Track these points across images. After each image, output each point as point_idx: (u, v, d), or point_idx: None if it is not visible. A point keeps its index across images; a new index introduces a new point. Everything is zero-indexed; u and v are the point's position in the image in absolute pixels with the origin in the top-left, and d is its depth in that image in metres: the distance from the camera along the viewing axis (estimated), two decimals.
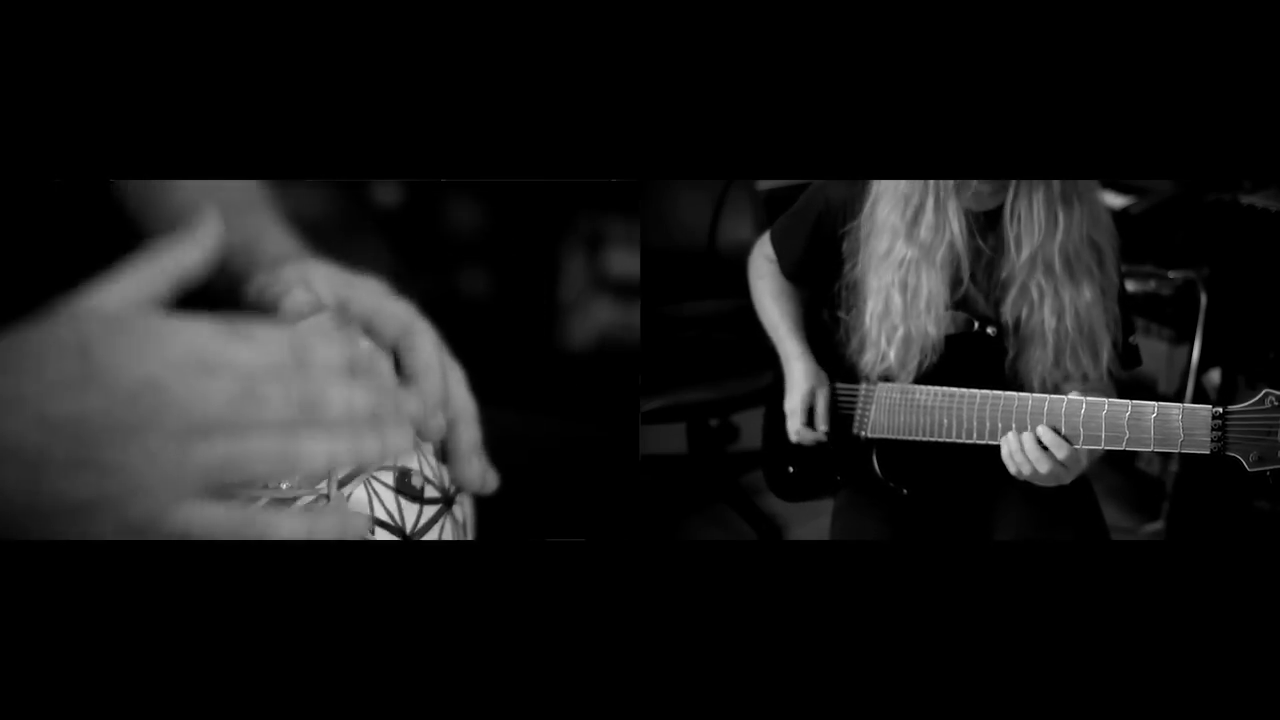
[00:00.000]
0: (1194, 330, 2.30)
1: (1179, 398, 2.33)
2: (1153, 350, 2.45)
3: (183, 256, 0.73)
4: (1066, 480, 1.33)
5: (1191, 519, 2.33)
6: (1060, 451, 1.28)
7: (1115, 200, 2.38)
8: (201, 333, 0.64)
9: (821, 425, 1.58)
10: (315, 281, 0.95)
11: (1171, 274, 2.32)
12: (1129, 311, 1.50)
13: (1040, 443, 1.29)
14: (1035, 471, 1.31)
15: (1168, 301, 2.40)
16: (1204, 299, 2.28)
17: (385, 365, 0.78)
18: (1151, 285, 2.34)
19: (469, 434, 0.93)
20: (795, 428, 1.59)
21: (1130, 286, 2.26)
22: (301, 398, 0.65)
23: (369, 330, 0.93)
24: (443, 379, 0.90)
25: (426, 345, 0.90)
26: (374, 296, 0.95)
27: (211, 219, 0.78)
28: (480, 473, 0.94)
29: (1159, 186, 2.42)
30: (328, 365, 0.68)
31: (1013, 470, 1.33)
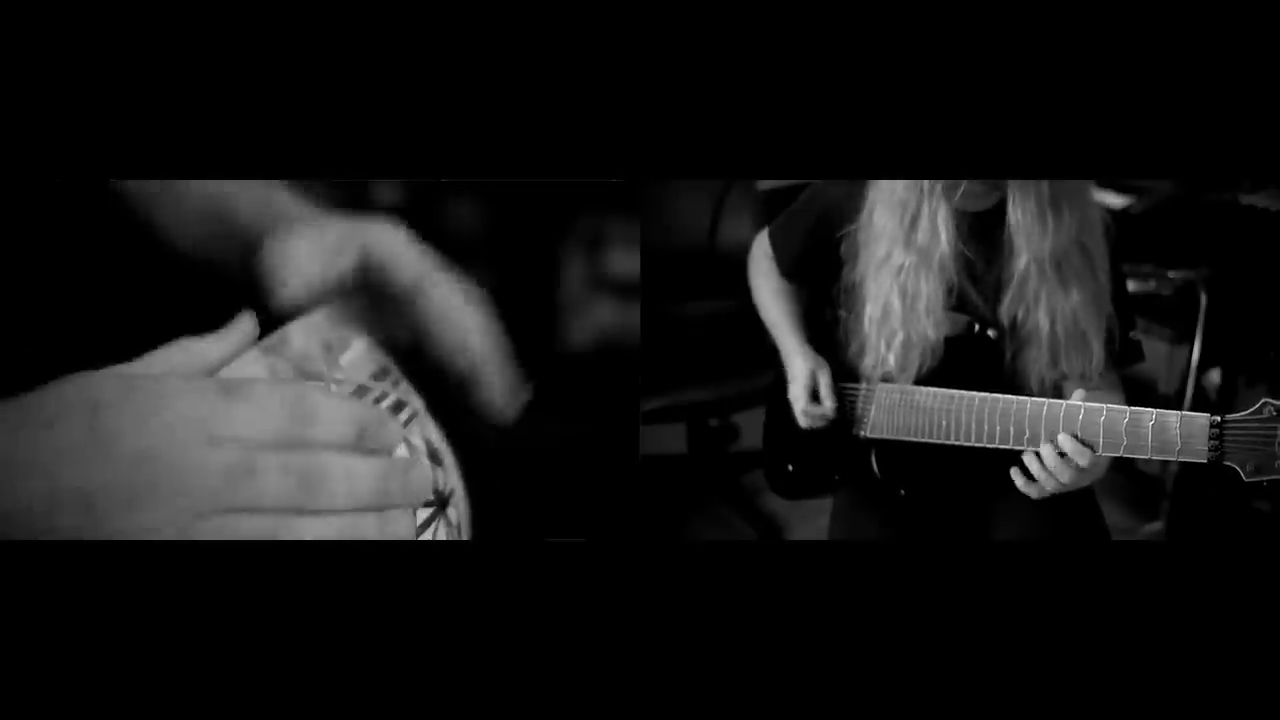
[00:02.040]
0: (1194, 330, 2.30)
1: (1179, 398, 2.33)
2: (1153, 350, 2.45)
3: (209, 350, 0.73)
4: (1085, 483, 1.34)
5: (1191, 519, 2.34)
6: (1083, 459, 1.28)
7: (1115, 200, 2.38)
8: (206, 395, 0.62)
9: (828, 402, 1.57)
10: (329, 236, 0.91)
11: (1171, 274, 2.32)
12: (1129, 308, 1.50)
13: (1061, 452, 1.29)
14: (1059, 483, 1.30)
15: (1168, 301, 2.40)
16: (1204, 299, 2.28)
17: (396, 429, 0.75)
18: (1151, 285, 2.34)
19: (491, 373, 0.92)
20: (801, 408, 1.58)
21: (1130, 286, 2.26)
22: (300, 473, 0.63)
23: (384, 278, 0.90)
24: (460, 328, 0.89)
25: (443, 292, 0.88)
26: (391, 241, 0.92)
27: (245, 319, 0.77)
28: (507, 393, 0.94)
29: (1159, 186, 2.42)
30: (331, 435, 0.66)
31: (1035, 494, 1.32)
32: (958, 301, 1.48)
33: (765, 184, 2.58)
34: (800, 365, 1.60)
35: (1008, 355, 1.47)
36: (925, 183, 1.43)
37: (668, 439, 2.61)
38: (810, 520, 2.04)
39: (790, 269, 1.69)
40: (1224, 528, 2.28)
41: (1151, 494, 2.43)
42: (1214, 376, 2.36)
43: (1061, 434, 1.29)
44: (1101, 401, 1.34)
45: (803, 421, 1.60)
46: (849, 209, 1.54)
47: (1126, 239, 1.51)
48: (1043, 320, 1.42)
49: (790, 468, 1.71)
